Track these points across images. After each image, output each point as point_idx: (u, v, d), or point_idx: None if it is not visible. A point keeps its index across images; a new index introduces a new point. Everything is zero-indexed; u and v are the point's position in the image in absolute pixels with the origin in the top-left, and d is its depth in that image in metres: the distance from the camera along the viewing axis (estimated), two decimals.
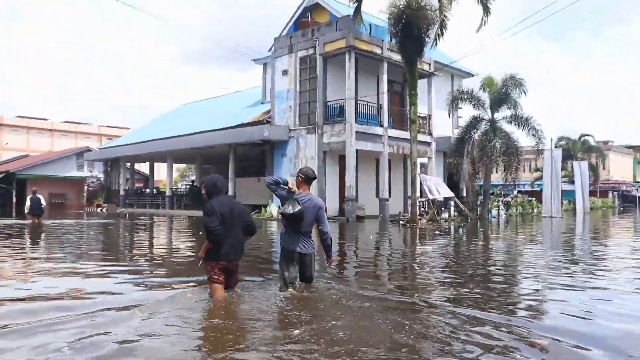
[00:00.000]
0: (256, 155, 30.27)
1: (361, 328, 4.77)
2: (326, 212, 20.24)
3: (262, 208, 27.04)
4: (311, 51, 26.23)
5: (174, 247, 14.03)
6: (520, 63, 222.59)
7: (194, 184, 41.89)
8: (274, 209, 26.37)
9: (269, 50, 29.70)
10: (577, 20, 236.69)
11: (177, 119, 40.56)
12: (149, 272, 8.65)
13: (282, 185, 6.11)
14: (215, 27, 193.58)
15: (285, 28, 30.35)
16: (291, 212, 5.86)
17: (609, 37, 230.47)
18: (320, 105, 25.38)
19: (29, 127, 64.53)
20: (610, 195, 64.09)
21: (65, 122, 70.07)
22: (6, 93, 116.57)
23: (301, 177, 6.26)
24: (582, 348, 4.33)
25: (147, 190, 42.79)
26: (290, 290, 6.06)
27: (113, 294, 6.67)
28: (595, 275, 8.63)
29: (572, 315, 5.57)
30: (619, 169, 69.51)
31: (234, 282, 5.99)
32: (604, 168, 62.07)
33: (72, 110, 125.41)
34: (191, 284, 6.97)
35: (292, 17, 30.31)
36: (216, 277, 5.72)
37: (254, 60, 32.39)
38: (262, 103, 31.96)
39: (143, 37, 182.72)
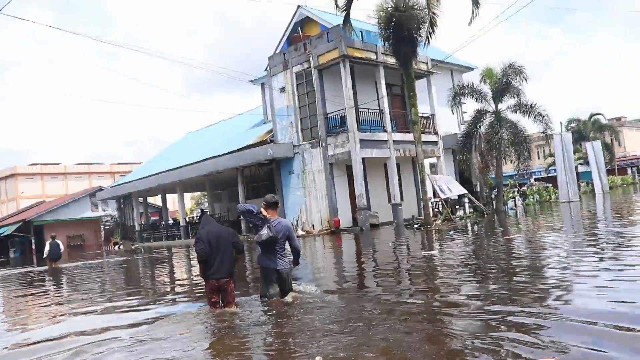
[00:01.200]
0: (264, 175, 30.17)
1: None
2: (339, 224, 20.48)
3: None
4: (306, 65, 26.09)
5: (176, 279, 13.84)
6: (524, 51, 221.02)
7: (204, 211, 41.96)
8: None
9: (265, 70, 29.63)
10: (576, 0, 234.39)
11: (183, 149, 40.72)
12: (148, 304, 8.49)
13: (254, 214, 6.80)
14: (216, 54, 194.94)
15: (278, 45, 30.33)
16: (263, 239, 6.61)
17: (610, 12, 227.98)
18: (321, 118, 25.20)
19: (42, 174, 65.33)
20: (629, 171, 62.95)
21: (78, 164, 70.81)
22: (19, 141, 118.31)
23: (264, 204, 6.92)
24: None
25: (163, 222, 42.87)
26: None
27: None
28: (623, 259, 8.39)
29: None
30: (635, 144, 68.30)
31: (230, 298, 6.79)
32: (619, 145, 61.12)
33: (85, 152, 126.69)
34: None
35: (284, 33, 30.31)
36: (210, 296, 6.83)
37: (251, 81, 32.34)
38: (264, 123, 31.92)
39: (148, 73, 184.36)
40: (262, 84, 31.44)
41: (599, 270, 7.54)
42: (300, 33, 28.63)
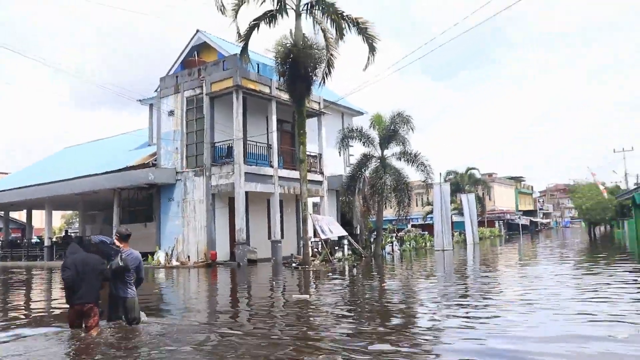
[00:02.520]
0: (143, 200, 28.78)
1: None
2: (216, 258, 19.86)
3: (149, 255, 25.45)
4: (198, 91, 25.47)
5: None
6: (415, 104, 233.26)
7: (68, 233, 39.60)
8: (161, 255, 25.01)
9: (156, 91, 28.54)
10: (461, 61, 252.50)
11: (57, 163, 38.02)
12: None
13: (108, 244, 7.25)
14: (108, 72, 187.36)
15: (172, 68, 29.44)
16: (114, 267, 7.04)
17: (488, 75, 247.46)
18: (208, 146, 24.54)
19: None
20: (496, 224, 67.24)
21: None
22: None
23: (117, 236, 7.47)
24: None
25: (26, 240, 39.52)
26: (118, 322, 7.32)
27: None
28: (486, 305, 9.31)
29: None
30: (503, 200, 73.32)
31: (93, 322, 6.89)
32: (489, 199, 65.16)
33: None
34: None
35: (180, 56, 29.49)
36: (72, 321, 7.01)
37: (140, 100, 31.10)
38: (148, 145, 30.62)
39: (28, 81, 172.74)
40: (151, 105, 30.26)
41: (467, 317, 8.16)
42: (196, 58, 27.96)
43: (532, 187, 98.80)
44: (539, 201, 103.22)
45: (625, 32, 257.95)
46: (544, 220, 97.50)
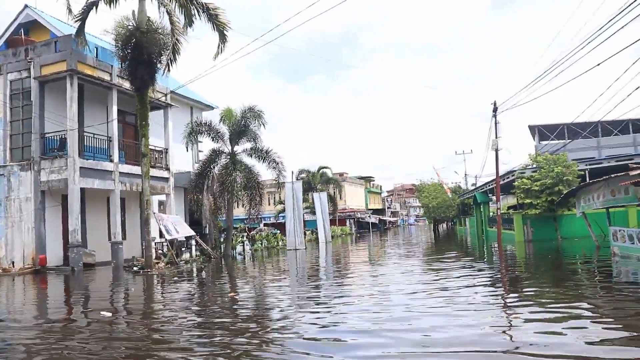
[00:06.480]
0: None
1: None
2: (46, 262, 17.30)
3: None
4: (25, 74, 22.56)
5: None
6: (268, 104, 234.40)
7: None
8: None
9: None
10: (315, 65, 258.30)
11: None
12: None
13: None
14: None
15: None
16: None
17: (342, 80, 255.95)
18: (37, 137, 21.79)
19: None
20: (347, 222, 68.80)
21: None
22: None
23: None
24: None
25: None
26: None
27: None
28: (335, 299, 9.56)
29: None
30: (354, 199, 75.31)
31: None
32: (340, 198, 66.42)
33: None
34: None
35: (4, 34, 26.09)
36: None
37: None
38: None
39: None
40: None
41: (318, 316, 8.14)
42: (23, 37, 24.81)
43: (381, 186, 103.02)
44: (387, 200, 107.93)
45: (466, 49, 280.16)
46: (392, 219, 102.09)
